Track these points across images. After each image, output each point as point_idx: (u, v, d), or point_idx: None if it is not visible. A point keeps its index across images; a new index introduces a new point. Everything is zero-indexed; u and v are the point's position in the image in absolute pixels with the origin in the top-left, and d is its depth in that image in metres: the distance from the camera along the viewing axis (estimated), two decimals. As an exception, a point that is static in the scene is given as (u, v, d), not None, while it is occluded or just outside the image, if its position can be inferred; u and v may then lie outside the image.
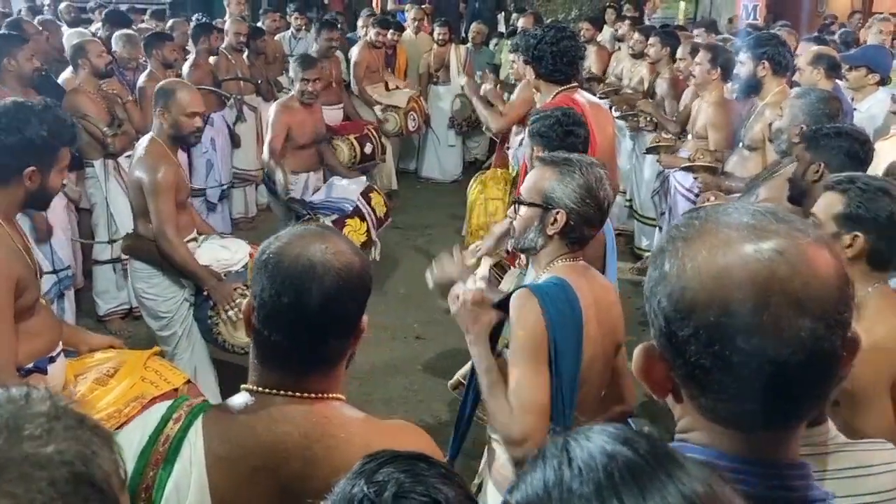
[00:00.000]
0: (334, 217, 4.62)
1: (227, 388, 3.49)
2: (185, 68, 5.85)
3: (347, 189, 4.84)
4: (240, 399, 1.31)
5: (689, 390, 0.87)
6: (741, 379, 0.80)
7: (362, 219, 4.72)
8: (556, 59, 3.42)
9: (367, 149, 5.93)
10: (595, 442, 0.67)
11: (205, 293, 3.34)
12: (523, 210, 2.02)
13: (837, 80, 4.30)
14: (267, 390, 1.29)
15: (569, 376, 1.84)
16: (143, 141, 3.45)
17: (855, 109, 4.19)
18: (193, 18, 6.92)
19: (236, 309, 3.23)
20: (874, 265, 1.89)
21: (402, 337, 4.76)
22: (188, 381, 2.61)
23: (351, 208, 4.69)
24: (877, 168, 3.45)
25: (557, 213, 1.94)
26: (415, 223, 6.65)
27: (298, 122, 4.81)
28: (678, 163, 4.64)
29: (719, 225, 0.85)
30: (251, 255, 3.39)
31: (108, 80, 4.84)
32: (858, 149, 2.51)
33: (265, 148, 4.76)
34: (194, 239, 3.52)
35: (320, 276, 1.22)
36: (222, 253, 3.44)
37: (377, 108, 6.84)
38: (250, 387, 1.30)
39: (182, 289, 3.42)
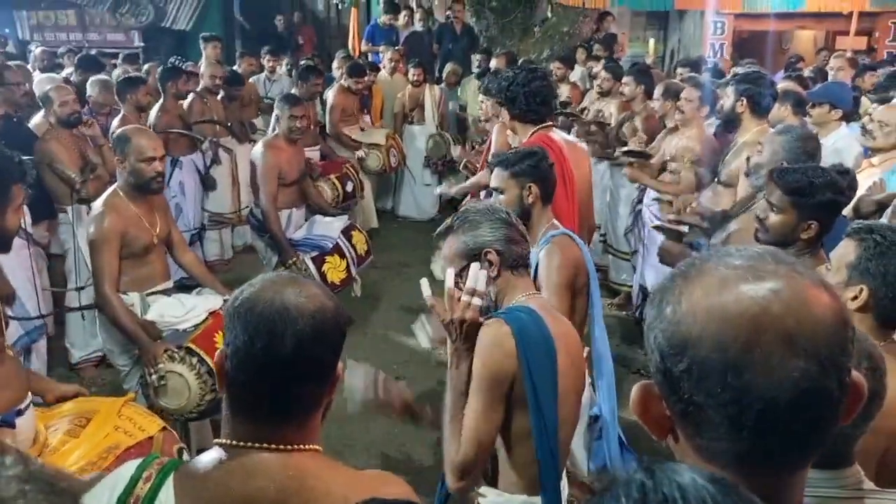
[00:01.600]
0: (315, 254, 4.65)
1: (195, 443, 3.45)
2: (153, 112, 5.83)
3: (329, 226, 4.88)
4: (212, 454, 1.27)
5: (685, 429, 0.87)
6: (733, 417, 0.80)
7: (342, 256, 4.75)
8: (530, 100, 3.47)
9: (349, 187, 5.98)
10: (684, 476, 0.65)
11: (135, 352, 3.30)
12: (463, 280, 1.99)
13: (803, 117, 4.40)
14: (241, 443, 1.25)
15: (549, 408, 1.83)
16: (105, 193, 3.42)
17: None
18: (169, 62, 6.93)
19: (156, 375, 3.14)
20: (881, 320, 1.83)
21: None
22: (164, 428, 2.55)
23: (331, 245, 4.72)
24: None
25: (486, 253, 1.99)
26: (392, 262, 6.64)
27: (286, 160, 4.83)
28: (644, 179, 4.72)
29: (718, 265, 0.86)
30: (212, 313, 3.31)
31: (81, 125, 4.80)
32: (843, 199, 2.53)
33: (264, 197, 4.69)
34: (164, 291, 3.47)
35: (294, 319, 1.21)
36: (174, 310, 3.33)
37: (358, 150, 6.90)
38: (223, 441, 1.27)
39: (132, 348, 3.35)
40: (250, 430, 1.26)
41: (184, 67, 6.64)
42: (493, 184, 2.73)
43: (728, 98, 4.00)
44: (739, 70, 5.37)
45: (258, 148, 4.83)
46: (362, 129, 7.21)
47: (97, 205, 3.35)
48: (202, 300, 3.42)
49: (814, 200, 2.46)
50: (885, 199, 3.23)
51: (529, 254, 2.08)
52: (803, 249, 2.52)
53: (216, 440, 1.28)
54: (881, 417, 1.54)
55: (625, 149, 4.86)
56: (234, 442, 1.26)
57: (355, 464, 3.71)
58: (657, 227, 4.06)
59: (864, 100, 5.67)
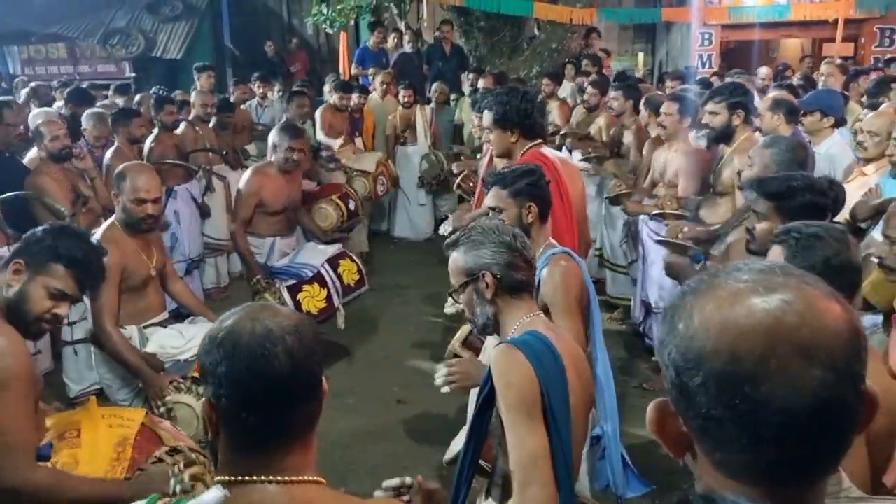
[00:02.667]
0: (291, 282, 4.54)
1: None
2: (147, 143, 5.82)
3: (315, 254, 4.79)
4: (215, 493, 1.25)
5: (704, 445, 0.87)
6: (752, 429, 0.80)
7: (322, 285, 4.62)
8: (521, 118, 3.47)
9: (352, 205, 5.94)
10: None
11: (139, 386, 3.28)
12: (462, 297, 2.06)
13: (796, 125, 4.41)
14: (241, 478, 1.23)
15: (565, 429, 1.81)
16: (103, 227, 3.42)
17: (814, 152, 4.29)
18: (152, 92, 6.96)
19: (164, 408, 3.12)
20: None
21: (384, 402, 4.67)
22: (147, 413, 2.59)
23: (311, 274, 4.61)
24: (843, 211, 3.53)
25: (483, 275, 1.99)
26: (390, 284, 6.62)
27: (272, 188, 4.76)
28: (645, 210, 4.71)
29: (728, 279, 0.87)
30: None
31: (73, 158, 4.79)
32: (826, 201, 2.52)
33: (234, 218, 4.72)
34: (161, 323, 3.47)
35: (281, 338, 1.23)
36: (174, 340, 3.32)
37: (341, 173, 6.88)
38: (222, 478, 1.25)
39: (133, 381, 3.34)
40: (250, 463, 1.24)
41: (171, 96, 6.65)
42: (490, 203, 2.71)
43: (720, 115, 4.02)
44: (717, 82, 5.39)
45: (247, 172, 4.82)
46: (354, 153, 7.23)
47: (95, 238, 3.33)
48: (199, 329, 3.40)
49: (794, 203, 2.48)
50: (882, 204, 3.23)
51: (533, 280, 2.07)
52: None
53: (218, 478, 1.26)
54: None
55: (611, 196, 4.87)
56: (234, 478, 1.24)
57: (359, 488, 3.71)
58: (661, 242, 4.06)
59: (852, 105, 5.71)
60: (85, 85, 8.27)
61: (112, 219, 3.41)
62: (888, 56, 11.67)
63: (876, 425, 1.57)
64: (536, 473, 1.76)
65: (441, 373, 2.41)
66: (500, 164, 3.79)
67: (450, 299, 2.40)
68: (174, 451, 2.37)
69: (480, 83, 7.76)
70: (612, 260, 5.87)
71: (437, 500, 1.94)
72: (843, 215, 3.45)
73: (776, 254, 1.95)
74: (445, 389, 2.43)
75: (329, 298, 4.62)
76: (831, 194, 2.56)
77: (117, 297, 3.27)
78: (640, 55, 11.98)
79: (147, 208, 3.31)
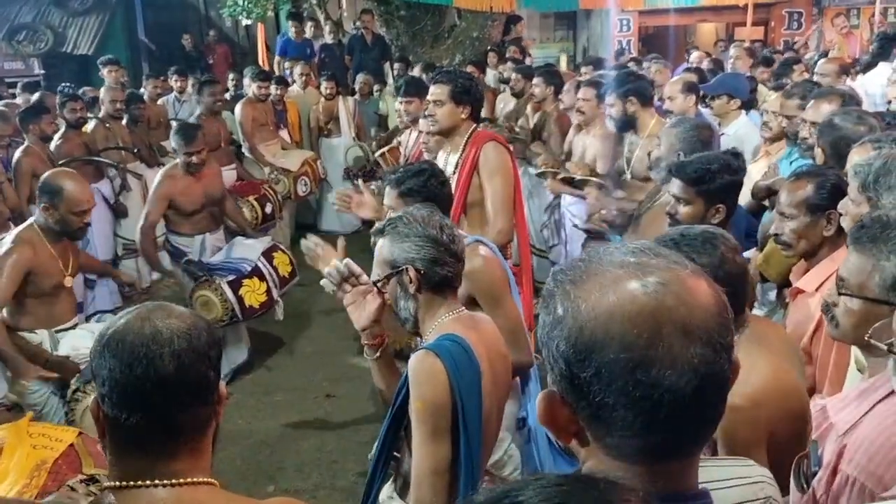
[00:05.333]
0: (231, 278, 4.51)
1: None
2: (54, 142, 5.61)
3: (249, 248, 4.77)
4: (101, 502, 1.22)
5: (595, 431, 0.88)
6: (644, 412, 0.82)
7: (262, 279, 4.63)
8: (474, 97, 3.45)
9: (268, 209, 5.86)
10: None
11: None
12: (387, 288, 2.01)
13: (702, 108, 4.56)
14: (129, 483, 1.20)
15: (475, 437, 1.81)
16: (20, 227, 3.39)
17: (723, 134, 4.43)
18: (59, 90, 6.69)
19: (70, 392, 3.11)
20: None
21: (312, 397, 4.63)
22: (80, 434, 2.46)
23: (249, 268, 4.60)
24: (747, 190, 3.67)
25: (406, 269, 1.94)
26: (318, 278, 6.49)
27: (182, 190, 4.67)
28: (565, 189, 4.79)
29: (604, 265, 0.88)
30: None
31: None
32: (737, 178, 2.61)
33: (142, 220, 4.62)
34: (72, 326, 3.45)
35: (169, 339, 1.20)
36: (86, 340, 3.27)
37: (266, 169, 6.79)
38: (111, 484, 1.22)
39: (45, 382, 3.27)
40: (139, 466, 1.21)
41: (76, 93, 6.41)
42: (385, 203, 2.65)
43: (615, 105, 4.14)
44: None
45: (158, 174, 4.76)
46: (284, 148, 7.11)
47: (8, 237, 3.31)
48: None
49: (715, 185, 2.55)
50: (773, 184, 3.38)
51: (459, 276, 2.02)
52: None
53: (105, 484, 1.23)
54: (756, 406, 1.60)
55: (562, 175, 4.91)
56: (122, 483, 1.21)
57: (288, 486, 3.68)
58: (584, 229, 4.14)
59: (760, 88, 5.91)
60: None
61: (31, 221, 3.39)
62: (796, 39, 12.16)
63: (781, 431, 1.64)
64: (430, 490, 1.80)
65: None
66: (438, 144, 3.75)
67: (325, 281, 2.36)
68: (91, 479, 2.29)
69: (416, 70, 7.70)
70: (535, 244, 5.94)
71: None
72: (747, 193, 3.59)
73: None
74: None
75: (269, 291, 4.65)
76: (742, 172, 2.65)
77: (11, 289, 3.23)
78: (563, 56, 12.11)
79: (85, 218, 3.37)
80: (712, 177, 2.55)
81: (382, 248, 2.00)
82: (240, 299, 4.44)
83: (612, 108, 4.18)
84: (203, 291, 4.45)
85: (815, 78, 4.69)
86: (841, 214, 2.15)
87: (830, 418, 1.57)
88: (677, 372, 0.81)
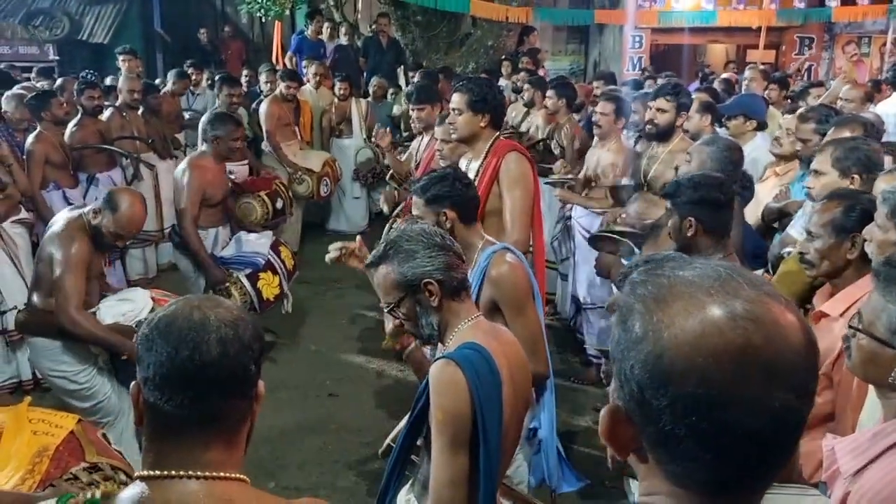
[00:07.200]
0: (248, 271, 4.59)
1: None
2: (69, 128, 5.62)
3: (257, 243, 4.80)
4: (134, 490, 1.22)
5: (658, 455, 0.85)
6: (714, 449, 0.80)
7: (274, 272, 4.71)
8: (494, 105, 3.45)
9: (279, 204, 5.87)
10: None
11: (124, 357, 3.24)
12: (401, 311, 1.97)
13: (717, 128, 4.58)
14: (163, 473, 1.21)
15: (494, 447, 1.80)
16: (64, 215, 3.40)
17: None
18: (80, 76, 6.70)
19: None
20: None
21: (315, 395, 4.64)
22: (79, 421, 2.47)
23: (263, 262, 4.67)
24: (757, 210, 3.70)
25: (425, 282, 1.90)
26: (323, 277, 6.55)
27: (211, 180, 4.70)
28: (575, 199, 4.81)
29: (690, 286, 0.84)
30: (154, 300, 3.36)
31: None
32: (718, 195, 2.64)
33: (185, 220, 4.56)
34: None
35: (216, 326, 1.23)
36: (124, 306, 3.34)
37: (289, 169, 6.83)
38: (144, 473, 1.22)
39: (91, 356, 3.32)
40: (174, 456, 1.22)
41: (93, 81, 6.43)
42: (414, 212, 2.65)
43: (668, 112, 4.11)
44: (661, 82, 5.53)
45: (182, 167, 4.67)
46: (301, 148, 7.14)
47: (58, 227, 3.33)
48: (131, 293, 3.57)
49: (682, 199, 2.63)
50: (785, 207, 3.40)
51: (467, 276, 2.02)
52: (709, 251, 2.60)
53: (138, 473, 1.24)
54: None
55: (551, 178, 4.95)
56: (156, 472, 1.21)
57: (289, 483, 3.69)
58: (592, 238, 4.13)
59: (772, 110, 5.95)
60: (2, 65, 7.91)
61: (81, 213, 3.39)
62: (807, 63, 12.23)
63: None
64: (449, 501, 1.80)
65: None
66: (452, 151, 3.77)
67: (334, 247, 2.38)
68: (94, 468, 2.29)
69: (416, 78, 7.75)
70: (546, 257, 5.94)
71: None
72: (756, 213, 3.62)
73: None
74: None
75: (280, 285, 4.72)
76: (726, 188, 2.68)
77: (84, 285, 3.27)
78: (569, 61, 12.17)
79: (119, 243, 3.44)
80: (679, 191, 2.65)
81: (388, 274, 1.94)
82: (258, 292, 4.52)
83: (663, 114, 4.12)
84: (222, 288, 4.50)
85: (840, 104, 4.72)
86: (866, 240, 2.16)
87: (838, 461, 1.56)
88: (756, 415, 0.79)
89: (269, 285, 4.59)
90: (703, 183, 2.64)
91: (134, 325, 3.25)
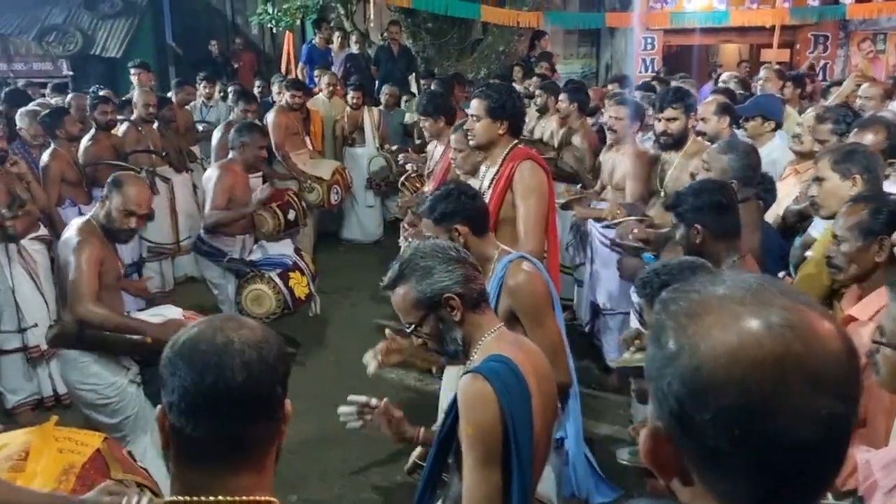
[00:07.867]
0: (279, 271, 4.71)
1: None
2: (83, 143, 5.65)
3: (282, 247, 4.99)
4: None
5: (704, 475, 0.83)
6: (762, 462, 0.78)
7: (302, 273, 4.84)
8: (513, 112, 3.42)
9: (291, 216, 5.88)
10: None
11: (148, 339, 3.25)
12: (424, 330, 1.94)
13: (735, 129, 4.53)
14: (191, 499, 1.19)
15: (527, 461, 1.77)
16: (74, 223, 3.44)
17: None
18: (91, 91, 6.75)
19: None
20: None
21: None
22: (105, 439, 2.47)
23: (291, 262, 4.81)
24: (778, 210, 3.66)
25: (447, 298, 1.87)
26: (338, 286, 6.56)
27: (241, 185, 4.84)
28: (593, 214, 4.75)
29: (721, 298, 0.83)
30: (185, 316, 3.36)
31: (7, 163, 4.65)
32: (719, 198, 2.63)
33: (210, 208, 4.72)
34: None
35: (241, 350, 1.19)
36: (155, 319, 3.36)
37: (303, 180, 6.85)
38: (174, 498, 1.21)
39: (122, 369, 3.33)
40: (203, 480, 1.20)
41: (106, 96, 6.47)
42: (426, 234, 2.62)
43: (679, 119, 4.08)
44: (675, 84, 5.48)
45: (212, 169, 4.84)
46: (311, 158, 7.14)
47: (70, 231, 3.36)
48: (164, 309, 3.56)
49: (684, 208, 2.65)
50: (805, 209, 3.36)
51: (485, 286, 2.00)
52: (721, 255, 2.59)
53: (166, 499, 1.22)
54: None
55: (558, 202, 4.93)
56: (185, 497, 1.20)
57: (311, 496, 3.67)
58: (614, 245, 4.09)
59: (788, 109, 5.88)
60: (21, 83, 7.98)
61: (88, 216, 3.43)
62: (822, 61, 12.12)
63: None
64: None
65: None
66: (465, 160, 3.74)
67: (369, 359, 2.39)
68: (119, 484, 2.29)
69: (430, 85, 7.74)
70: (562, 262, 5.90)
71: (400, 428, 2.13)
72: (776, 213, 3.58)
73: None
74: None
75: (308, 285, 4.86)
76: (727, 191, 2.71)
77: (96, 281, 3.26)
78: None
79: (132, 222, 3.38)
80: (680, 201, 2.68)
81: (407, 293, 1.91)
82: (290, 290, 4.63)
83: (675, 122, 4.09)
84: (254, 286, 4.63)
85: (859, 102, 4.66)
86: (894, 244, 2.12)
87: (875, 474, 1.52)
88: (802, 424, 0.77)
89: (300, 285, 4.72)
90: (704, 189, 2.67)
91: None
